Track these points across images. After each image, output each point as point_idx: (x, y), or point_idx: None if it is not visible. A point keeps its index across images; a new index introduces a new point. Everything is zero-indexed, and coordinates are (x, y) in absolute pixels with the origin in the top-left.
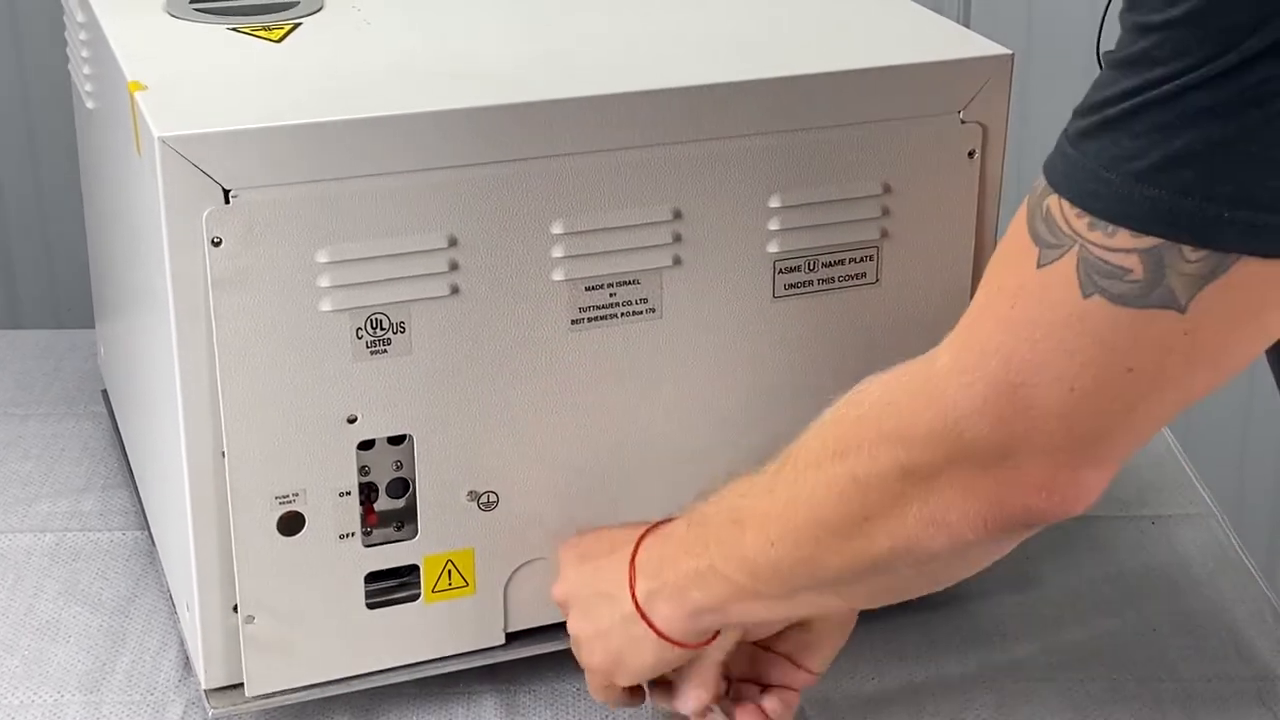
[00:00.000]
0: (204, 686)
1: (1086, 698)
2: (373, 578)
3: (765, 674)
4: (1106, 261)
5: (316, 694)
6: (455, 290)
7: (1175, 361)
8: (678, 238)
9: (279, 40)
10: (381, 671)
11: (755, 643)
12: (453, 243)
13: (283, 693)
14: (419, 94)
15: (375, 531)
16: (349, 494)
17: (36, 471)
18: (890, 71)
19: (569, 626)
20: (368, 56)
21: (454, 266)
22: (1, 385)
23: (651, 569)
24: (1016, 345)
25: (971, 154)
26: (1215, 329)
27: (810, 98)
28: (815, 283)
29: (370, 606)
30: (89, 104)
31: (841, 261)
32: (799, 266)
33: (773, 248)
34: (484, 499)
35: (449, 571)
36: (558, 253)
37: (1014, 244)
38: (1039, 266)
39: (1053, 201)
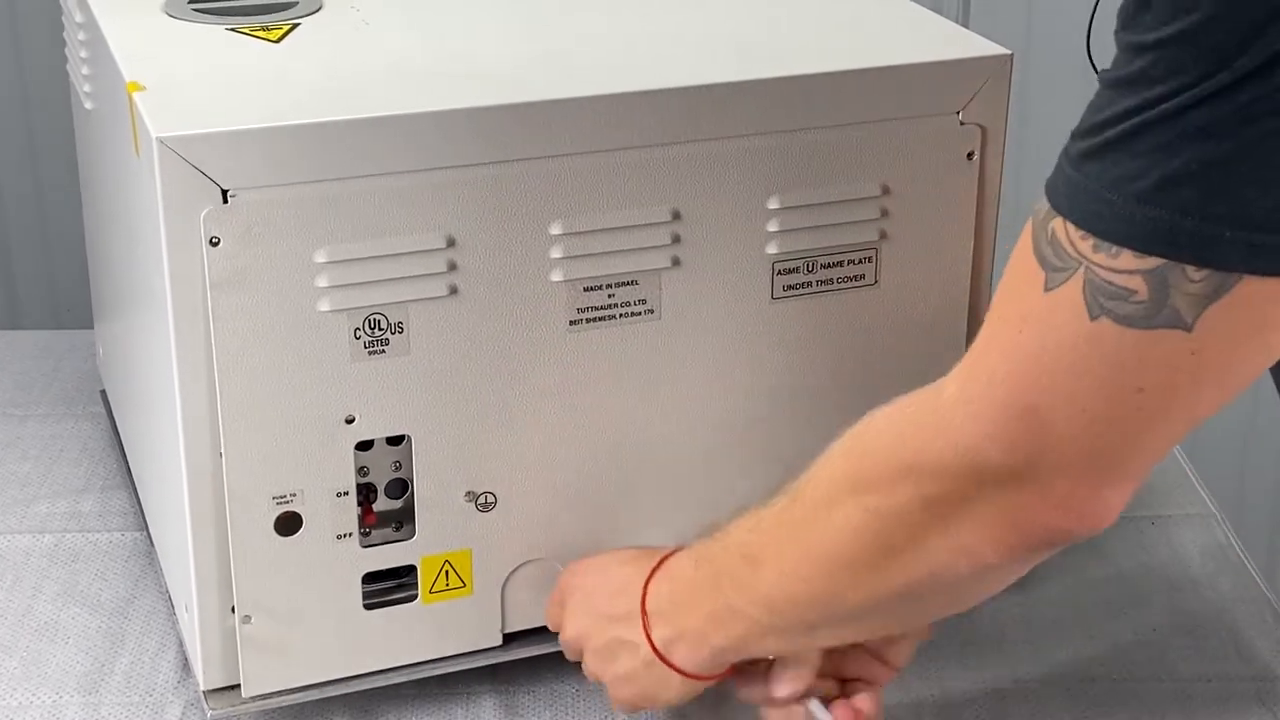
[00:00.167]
0: (202, 687)
1: (1086, 698)
2: (370, 578)
3: (843, 668)
4: (1111, 283)
5: (314, 694)
6: (454, 290)
7: (1184, 380)
8: (676, 239)
9: (277, 40)
10: (379, 672)
11: None
12: (451, 243)
13: (280, 693)
14: (418, 94)
15: (373, 532)
16: (347, 494)
17: (35, 472)
18: (889, 72)
19: (587, 667)
20: (366, 57)
21: (452, 267)
22: (0, 386)
23: (665, 614)
24: (1026, 370)
25: (970, 155)
26: (1221, 347)
27: (809, 98)
28: (814, 284)
29: (368, 607)
30: (88, 104)
31: (840, 263)
32: (798, 268)
33: (772, 249)
34: (482, 500)
35: (447, 572)
36: (556, 253)
37: (1020, 269)
38: (1046, 290)
39: (1057, 224)
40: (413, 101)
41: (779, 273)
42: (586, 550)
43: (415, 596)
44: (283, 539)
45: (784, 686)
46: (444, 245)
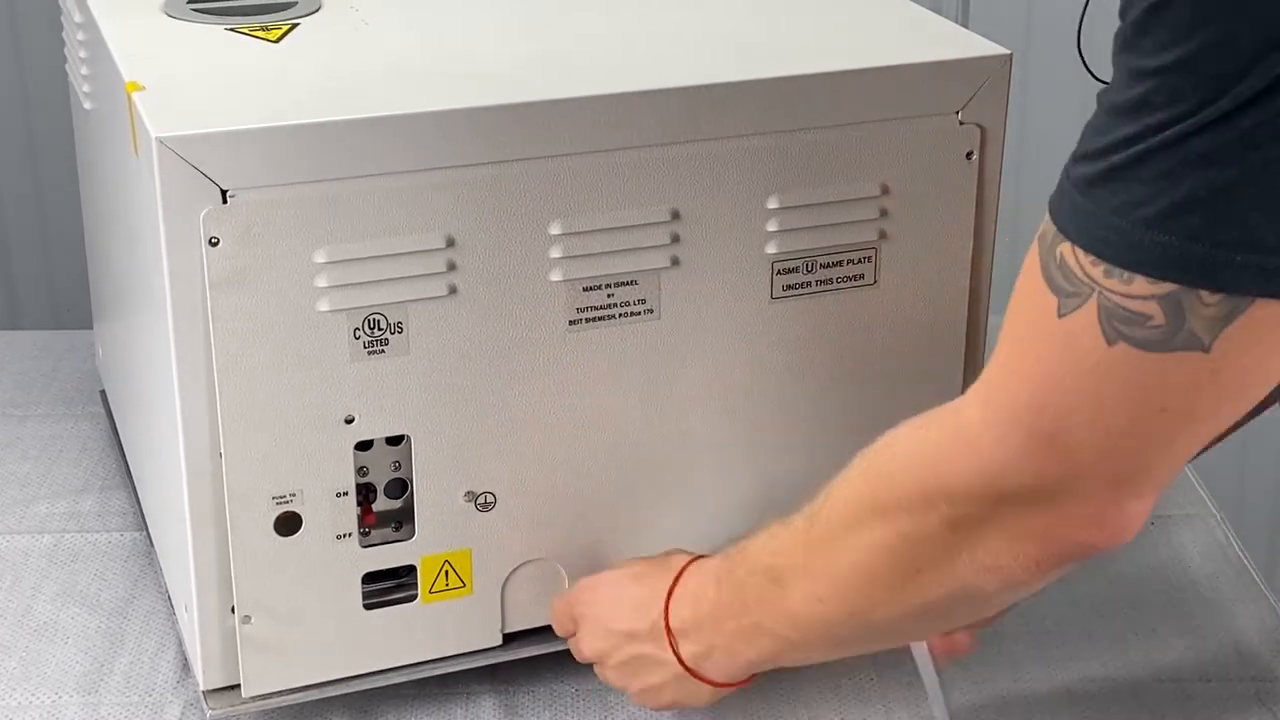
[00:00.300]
0: (202, 687)
1: (1086, 698)
2: (370, 578)
3: None
4: (1126, 309)
5: (314, 694)
6: (453, 290)
7: (1204, 398)
8: (676, 238)
9: (277, 40)
10: (379, 672)
11: None
12: (450, 243)
13: (280, 693)
14: (417, 94)
15: (373, 532)
16: (346, 494)
17: (35, 472)
18: (888, 72)
19: (609, 679)
20: (365, 57)
21: (452, 267)
22: (0, 386)
23: (691, 633)
24: (1048, 396)
25: (970, 155)
26: (1240, 365)
27: (808, 98)
28: (813, 284)
29: (368, 607)
30: (87, 105)
31: (840, 263)
32: (797, 268)
33: (771, 249)
34: (481, 500)
35: (446, 572)
36: (556, 253)
37: (1031, 292)
38: (1060, 316)
39: (1066, 249)
40: (412, 101)
41: (778, 272)
42: (587, 550)
43: (415, 596)
44: (282, 539)
45: None
46: (443, 245)
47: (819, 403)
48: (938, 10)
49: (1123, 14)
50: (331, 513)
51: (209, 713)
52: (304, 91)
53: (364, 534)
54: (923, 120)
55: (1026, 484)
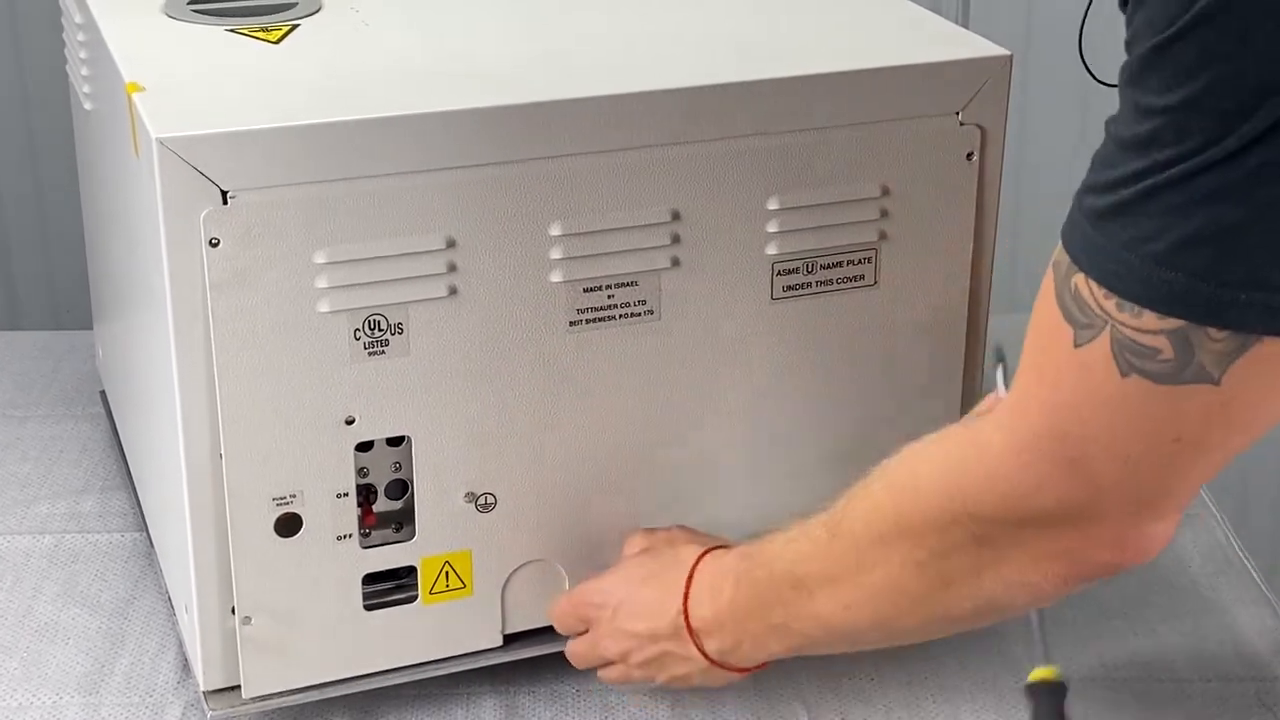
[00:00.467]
0: (202, 688)
1: (1086, 698)
2: (370, 579)
3: None
4: (1138, 342)
5: (314, 696)
6: (453, 291)
7: (1217, 428)
8: (676, 239)
9: (277, 41)
10: (380, 673)
11: None
12: (451, 244)
13: (280, 694)
14: (417, 95)
15: (373, 533)
16: (346, 495)
17: (35, 473)
18: (888, 72)
19: (638, 675)
20: (366, 57)
21: (452, 268)
22: (0, 386)
23: (714, 632)
24: (1068, 426)
25: (970, 155)
26: (1250, 398)
27: (809, 99)
28: (814, 285)
29: (368, 608)
30: (87, 105)
31: (840, 263)
32: (797, 268)
33: (771, 249)
34: (482, 500)
35: (447, 573)
36: (556, 254)
37: (1047, 322)
38: (1075, 346)
39: (1079, 280)
40: (412, 102)
41: (779, 273)
42: (587, 551)
43: (415, 597)
44: (283, 540)
45: None
46: (444, 246)
47: (819, 403)
48: (938, 10)
49: (1128, 47)
50: (332, 513)
51: (209, 714)
52: (304, 92)
53: (364, 535)
54: (923, 121)
55: (1050, 508)
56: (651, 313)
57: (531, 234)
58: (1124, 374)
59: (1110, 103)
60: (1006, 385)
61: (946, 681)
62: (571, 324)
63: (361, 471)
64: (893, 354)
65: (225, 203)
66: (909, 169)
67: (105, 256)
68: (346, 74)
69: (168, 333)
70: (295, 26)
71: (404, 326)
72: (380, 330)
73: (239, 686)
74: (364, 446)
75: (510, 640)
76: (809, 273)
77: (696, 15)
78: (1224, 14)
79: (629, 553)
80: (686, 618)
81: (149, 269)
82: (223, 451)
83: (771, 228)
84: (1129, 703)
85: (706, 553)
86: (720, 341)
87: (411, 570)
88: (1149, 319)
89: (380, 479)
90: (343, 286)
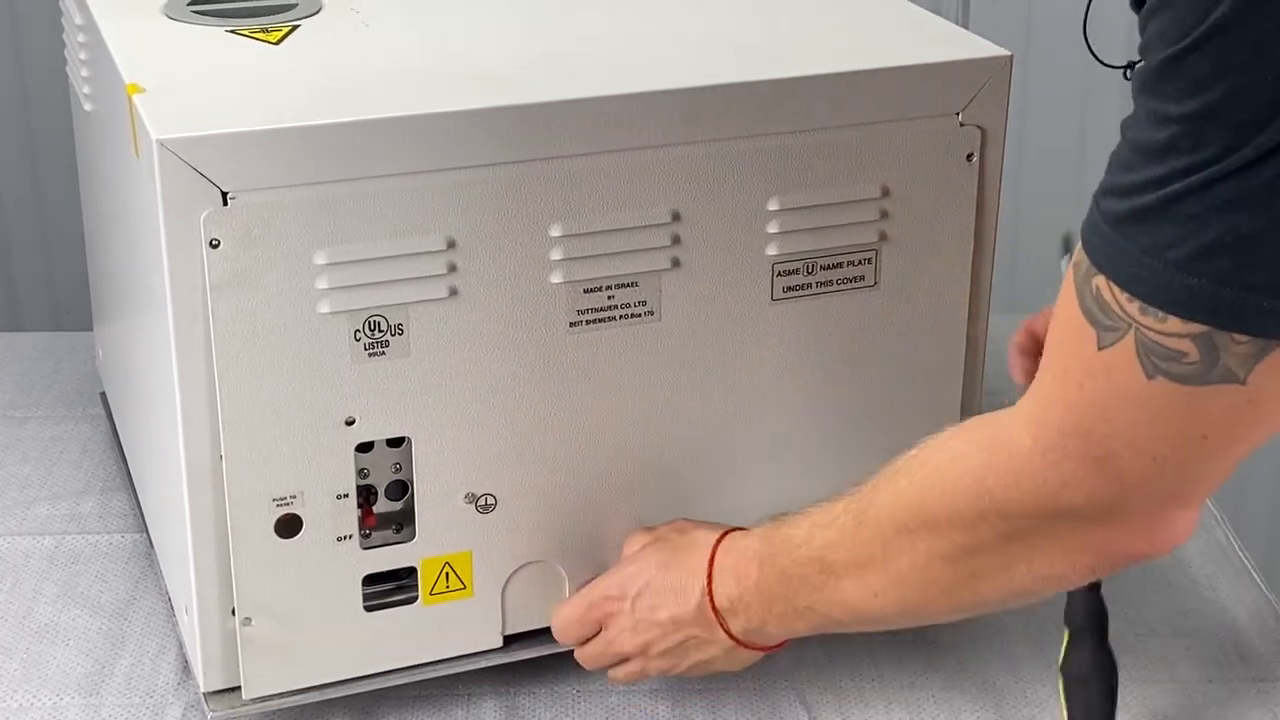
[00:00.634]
0: (203, 689)
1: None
2: (371, 580)
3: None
4: (1163, 345)
5: (315, 696)
6: (454, 292)
7: (1243, 424)
8: (676, 240)
9: (277, 42)
10: (380, 674)
11: None
12: (451, 245)
13: (281, 695)
14: (417, 96)
15: (373, 534)
16: (347, 496)
17: (35, 474)
18: (888, 73)
19: (655, 668)
20: (366, 58)
21: (452, 268)
22: (0, 388)
23: (740, 612)
24: (1093, 424)
25: (970, 156)
26: (1275, 394)
27: (809, 99)
28: (814, 285)
29: (368, 609)
30: (87, 106)
31: (840, 264)
32: (798, 269)
33: (771, 250)
34: (482, 501)
35: (447, 574)
36: (556, 255)
37: (1069, 323)
38: (1100, 348)
39: (1101, 283)
40: (412, 103)
41: (779, 274)
42: (587, 552)
43: (416, 598)
44: (283, 541)
45: None
46: (444, 247)
47: (819, 404)
48: (938, 11)
49: (1143, 52)
50: (332, 514)
51: (210, 715)
52: (304, 93)
53: (365, 536)
54: (923, 121)
55: (1078, 504)
56: (651, 313)
57: (532, 235)
58: (1150, 376)
59: (1110, 99)
60: None
61: (946, 681)
62: (572, 325)
63: (362, 472)
64: (893, 354)
65: (225, 204)
66: (909, 169)
67: (105, 257)
68: (347, 75)
69: (168, 334)
70: (295, 27)
71: (404, 327)
72: (380, 331)
73: (239, 687)
74: (364, 447)
75: (510, 641)
76: (809, 273)
77: (696, 16)
78: (1239, 25)
79: (630, 551)
80: (711, 599)
81: (149, 270)
82: (223, 452)
83: (772, 228)
84: (1129, 703)
85: (725, 535)
86: (720, 342)
87: (412, 571)
88: (1174, 323)
89: (380, 480)
90: (343, 287)
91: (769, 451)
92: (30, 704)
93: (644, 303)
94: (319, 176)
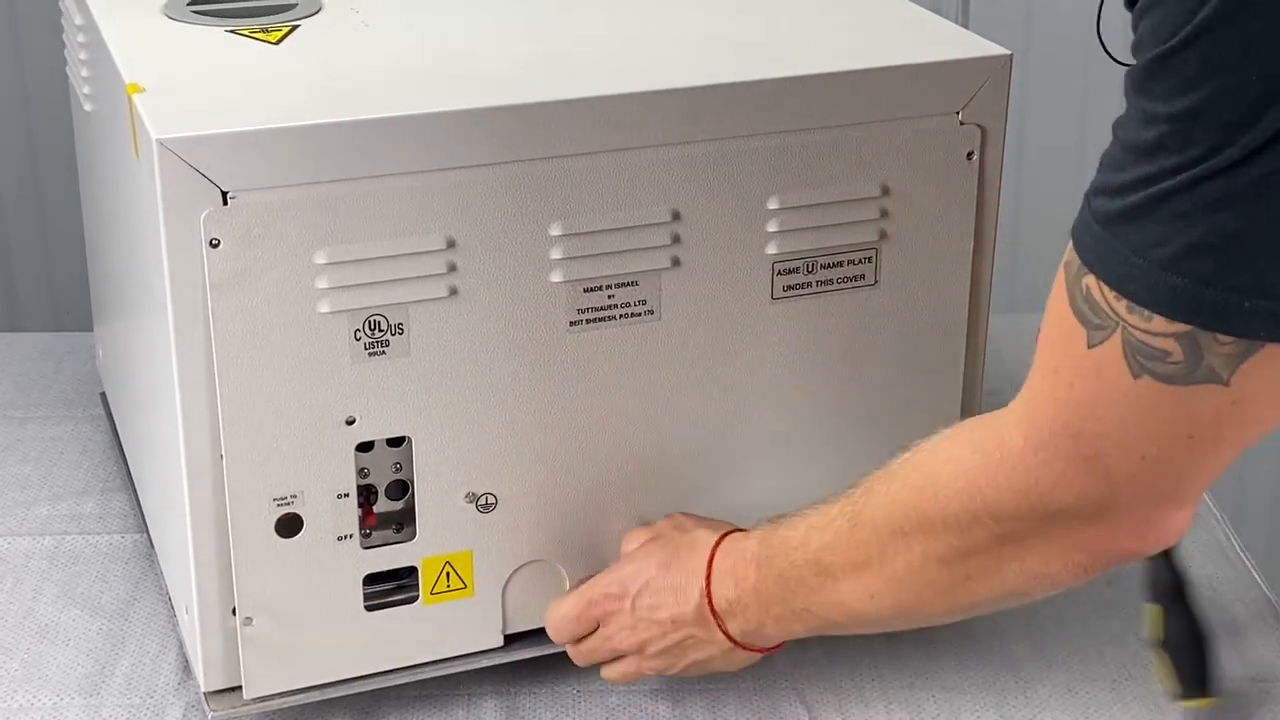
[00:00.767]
0: (203, 689)
1: (1086, 698)
2: (371, 580)
3: None
4: (1148, 344)
5: (315, 696)
6: (454, 292)
7: (1229, 424)
8: (676, 239)
9: (277, 42)
10: (381, 674)
11: None
12: (451, 244)
13: (282, 695)
14: (417, 95)
15: (374, 533)
16: (347, 496)
17: (35, 474)
18: (888, 72)
19: (652, 666)
20: (366, 58)
21: (452, 268)
22: (0, 388)
23: (738, 613)
24: (1083, 424)
25: (970, 155)
26: (1259, 396)
27: (809, 98)
28: (814, 284)
29: (369, 609)
30: (87, 106)
31: (840, 263)
32: (798, 268)
33: (771, 249)
34: (482, 501)
35: (447, 573)
36: (556, 254)
37: (1060, 322)
38: (1089, 347)
39: (1090, 281)
40: (412, 103)
41: (779, 273)
42: (587, 551)
43: (416, 598)
44: (283, 540)
45: None
46: (444, 246)
47: (819, 403)
48: (938, 10)
49: (1134, 51)
50: (332, 514)
51: (210, 714)
52: (304, 93)
53: (365, 535)
54: (923, 120)
55: (1070, 503)
56: (651, 313)
57: (532, 234)
58: (1136, 375)
59: (1110, 98)
60: None
61: (946, 681)
62: (572, 324)
63: (362, 472)
64: (893, 353)
65: (225, 203)
66: (909, 169)
67: (105, 257)
68: (346, 75)
69: (168, 334)
70: (295, 27)
71: (404, 327)
72: (381, 330)
73: (240, 687)
74: (364, 447)
75: (511, 641)
76: (809, 272)
77: (696, 15)
78: (1226, 26)
79: (629, 548)
80: (710, 600)
81: (149, 270)
82: (223, 452)
83: (772, 227)
84: (1129, 702)
85: (724, 536)
86: (720, 341)
87: (412, 571)
88: (1159, 323)
89: (381, 479)
90: (343, 287)
91: (769, 450)
92: (30, 704)
93: (644, 302)
94: (319, 176)
